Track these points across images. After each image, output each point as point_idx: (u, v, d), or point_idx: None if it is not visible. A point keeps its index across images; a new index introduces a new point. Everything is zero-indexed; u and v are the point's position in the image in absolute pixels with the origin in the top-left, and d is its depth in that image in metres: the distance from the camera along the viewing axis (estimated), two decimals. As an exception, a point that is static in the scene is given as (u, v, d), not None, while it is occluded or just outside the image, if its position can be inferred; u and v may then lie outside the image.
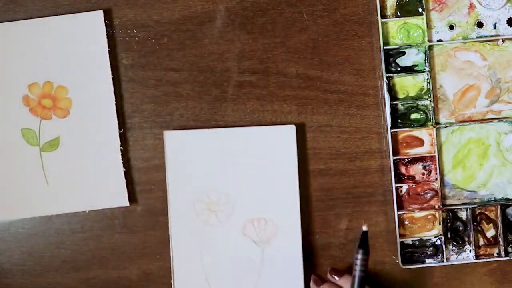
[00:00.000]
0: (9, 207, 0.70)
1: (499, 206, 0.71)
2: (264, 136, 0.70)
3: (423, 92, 0.71)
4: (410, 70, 0.71)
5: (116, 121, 0.70)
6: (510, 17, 0.71)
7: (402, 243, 0.71)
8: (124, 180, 0.70)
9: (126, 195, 0.70)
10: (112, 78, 0.70)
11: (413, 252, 0.72)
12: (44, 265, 0.72)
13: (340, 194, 0.72)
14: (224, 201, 0.70)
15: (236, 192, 0.70)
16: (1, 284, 0.72)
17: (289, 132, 0.70)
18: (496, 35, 0.71)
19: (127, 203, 0.70)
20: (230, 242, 0.70)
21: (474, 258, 0.72)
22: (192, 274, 0.70)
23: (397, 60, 0.71)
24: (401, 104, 0.71)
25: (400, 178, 0.71)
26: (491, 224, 0.72)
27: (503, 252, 0.71)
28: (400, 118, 0.71)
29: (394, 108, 0.71)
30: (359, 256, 0.62)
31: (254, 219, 0.70)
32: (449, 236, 0.72)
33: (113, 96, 0.70)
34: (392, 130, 0.70)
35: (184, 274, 0.70)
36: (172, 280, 0.70)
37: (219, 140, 0.70)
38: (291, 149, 0.70)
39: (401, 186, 0.72)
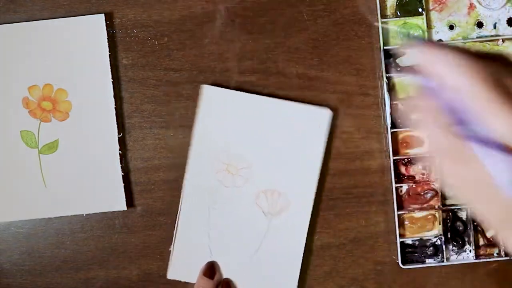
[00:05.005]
0: (7, 209, 0.70)
1: (499, 206, 0.71)
2: (298, 113, 0.70)
3: (423, 92, 0.71)
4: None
5: (116, 126, 0.70)
6: (510, 17, 0.71)
7: (402, 243, 0.71)
8: (122, 184, 0.70)
9: (124, 199, 0.70)
10: (112, 78, 0.70)
11: (413, 252, 0.72)
12: (44, 265, 0.72)
13: (340, 194, 0.72)
14: (244, 166, 0.70)
15: (257, 161, 0.70)
16: (1, 284, 0.72)
17: (323, 115, 0.70)
18: (496, 35, 0.71)
19: (124, 207, 0.70)
20: (240, 207, 0.70)
21: (474, 258, 0.72)
22: (195, 229, 0.70)
23: (397, 60, 0.71)
24: (401, 104, 0.71)
25: (400, 178, 0.71)
26: (491, 224, 0.72)
27: (503, 252, 0.71)
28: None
29: (394, 108, 0.71)
30: None
31: (269, 189, 0.70)
32: (449, 236, 0.72)
33: (113, 100, 0.70)
34: (392, 130, 0.70)
35: (188, 227, 0.70)
36: (175, 230, 0.70)
37: (253, 106, 0.70)
38: (321, 132, 0.70)
39: (401, 186, 0.72)
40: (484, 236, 0.72)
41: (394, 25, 0.71)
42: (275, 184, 0.70)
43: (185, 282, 0.71)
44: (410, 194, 0.72)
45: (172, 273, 0.70)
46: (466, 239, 0.72)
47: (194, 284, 0.70)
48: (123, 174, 0.70)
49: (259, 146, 0.70)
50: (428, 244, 0.72)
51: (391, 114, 0.70)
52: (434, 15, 0.71)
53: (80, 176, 0.70)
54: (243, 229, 0.70)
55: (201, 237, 0.70)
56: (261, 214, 0.70)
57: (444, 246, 0.71)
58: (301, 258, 0.70)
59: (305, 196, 0.70)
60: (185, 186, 0.70)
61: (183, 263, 0.70)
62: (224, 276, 0.70)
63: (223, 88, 0.70)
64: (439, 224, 0.71)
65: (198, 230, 0.70)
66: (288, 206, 0.70)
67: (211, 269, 0.69)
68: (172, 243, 0.70)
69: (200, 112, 0.70)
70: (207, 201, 0.70)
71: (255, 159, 0.70)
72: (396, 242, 0.71)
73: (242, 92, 0.70)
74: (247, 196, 0.70)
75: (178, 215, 0.70)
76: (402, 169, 0.72)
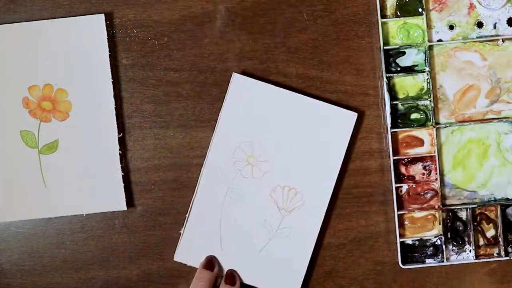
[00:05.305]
0: (7, 209, 0.70)
1: (499, 206, 0.71)
2: (324, 113, 0.70)
3: (423, 92, 0.71)
4: (410, 70, 0.71)
5: (116, 126, 0.70)
6: (510, 17, 0.71)
7: (402, 243, 0.71)
8: (122, 184, 0.70)
9: (124, 199, 0.70)
10: (112, 78, 0.70)
11: (413, 252, 0.72)
12: (44, 265, 0.72)
13: (340, 194, 0.72)
14: (264, 159, 0.70)
15: (278, 155, 0.70)
16: (1, 284, 0.72)
17: (349, 118, 0.70)
18: (496, 35, 0.71)
19: (124, 207, 0.70)
20: (255, 200, 0.70)
21: (474, 258, 0.72)
22: (208, 215, 0.70)
23: (397, 60, 0.71)
24: (401, 104, 0.71)
25: (400, 178, 0.71)
26: (491, 224, 0.72)
27: (503, 252, 0.71)
28: (400, 118, 0.71)
29: (394, 108, 0.71)
30: None
31: (286, 186, 0.70)
32: (449, 236, 0.72)
33: (113, 100, 0.70)
34: (392, 130, 0.70)
35: (201, 212, 0.70)
36: (187, 213, 0.70)
37: (281, 100, 0.70)
38: (345, 135, 0.70)
39: (401, 186, 0.72)
40: (484, 236, 0.72)
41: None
42: (292, 182, 0.70)
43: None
44: (410, 194, 0.72)
45: (179, 256, 0.70)
46: (466, 239, 0.72)
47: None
48: (123, 174, 0.70)
49: (281, 141, 0.70)
50: (428, 244, 0.72)
51: (391, 114, 0.70)
52: (434, 15, 0.71)
53: (80, 176, 0.70)
54: (256, 221, 0.70)
55: (213, 224, 0.70)
56: (275, 209, 0.70)
57: (444, 246, 0.71)
58: (309, 260, 0.70)
59: (320, 198, 0.70)
60: (204, 171, 0.70)
61: (192, 247, 0.70)
62: (230, 267, 0.70)
63: (252, 78, 0.70)
64: (439, 224, 0.71)
65: (210, 216, 0.70)
66: (302, 205, 0.70)
67: (210, 263, 0.69)
68: (183, 226, 0.70)
69: (227, 99, 0.70)
70: (223, 189, 0.70)
71: (276, 154, 0.70)
72: (396, 242, 0.71)
73: (271, 85, 0.70)
74: (264, 188, 0.70)
75: (192, 198, 0.70)
76: (402, 169, 0.72)
